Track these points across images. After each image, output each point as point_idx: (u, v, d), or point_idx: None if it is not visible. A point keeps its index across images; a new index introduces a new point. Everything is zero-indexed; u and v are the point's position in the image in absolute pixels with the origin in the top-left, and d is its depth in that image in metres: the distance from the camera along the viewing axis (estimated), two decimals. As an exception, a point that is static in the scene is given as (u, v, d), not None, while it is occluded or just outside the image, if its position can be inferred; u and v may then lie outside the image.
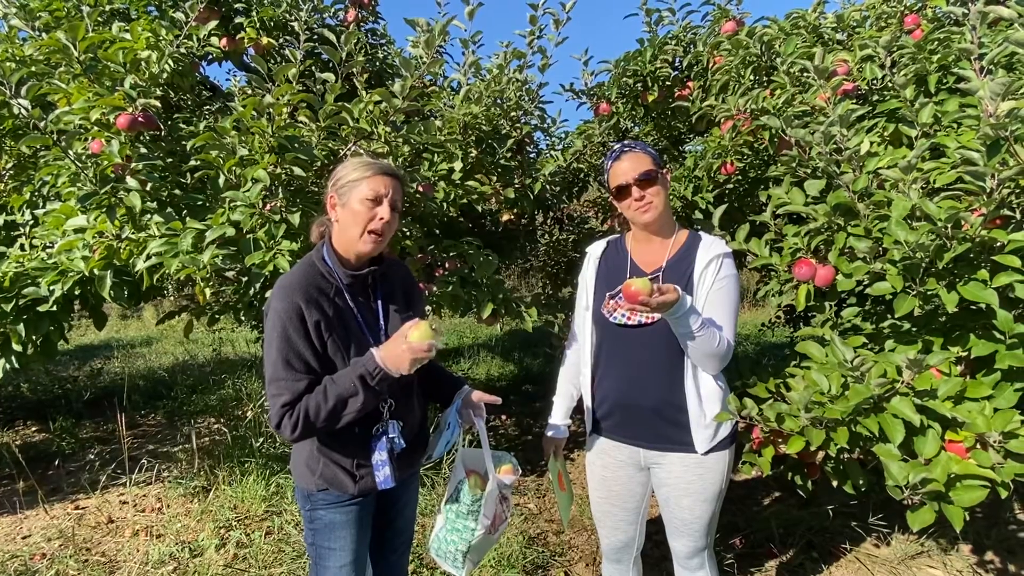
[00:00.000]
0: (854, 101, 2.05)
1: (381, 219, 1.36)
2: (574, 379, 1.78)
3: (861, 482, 1.66)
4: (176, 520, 2.96)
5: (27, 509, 3.18)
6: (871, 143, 1.88)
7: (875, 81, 2.16)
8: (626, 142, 1.61)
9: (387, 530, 1.65)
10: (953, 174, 1.60)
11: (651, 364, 1.56)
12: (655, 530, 2.59)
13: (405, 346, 1.28)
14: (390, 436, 1.42)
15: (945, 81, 2.01)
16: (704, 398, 1.55)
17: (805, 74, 2.16)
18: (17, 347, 2.25)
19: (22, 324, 2.23)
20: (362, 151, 2.28)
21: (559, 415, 1.81)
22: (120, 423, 3.54)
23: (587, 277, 1.72)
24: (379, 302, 1.48)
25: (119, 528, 2.96)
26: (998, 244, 1.44)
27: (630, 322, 1.56)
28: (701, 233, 1.62)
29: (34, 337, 2.28)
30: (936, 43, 2.03)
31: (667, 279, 1.54)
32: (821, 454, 1.69)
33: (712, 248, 1.55)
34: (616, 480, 1.71)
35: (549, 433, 1.81)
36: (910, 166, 1.53)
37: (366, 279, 1.45)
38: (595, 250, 1.74)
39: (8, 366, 2.28)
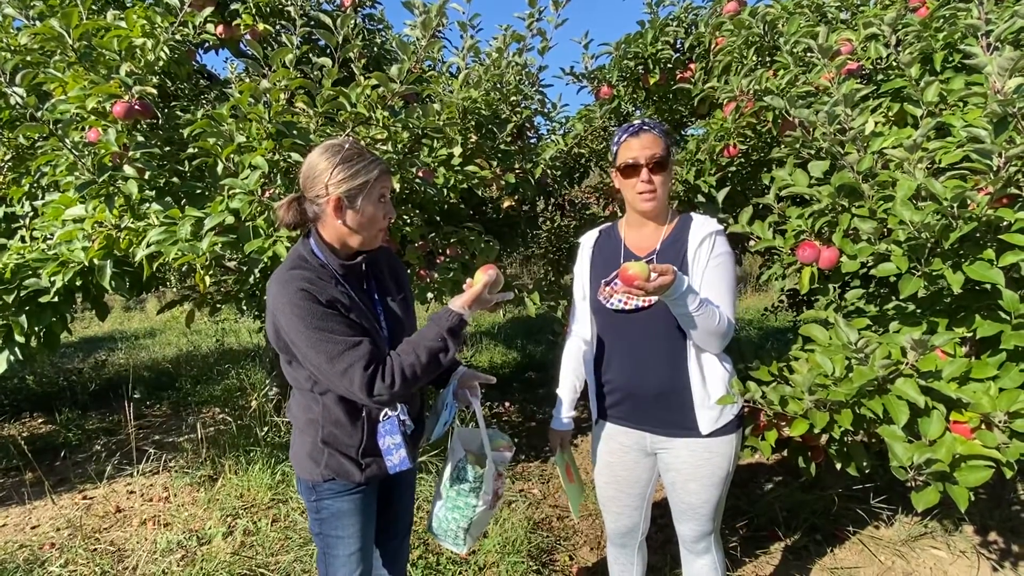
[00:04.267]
0: (858, 81, 2.02)
1: (389, 217, 1.41)
2: (576, 370, 1.77)
3: (865, 464, 1.66)
4: (183, 509, 2.99)
5: (35, 500, 3.21)
6: (876, 123, 1.85)
7: (880, 60, 2.13)
8: (647, 120, 1.57)
9: (386, 516, 1.66)
10: (959, 153, 1.58)
11: (652, 349, 1.55)
12: (659, 514, 2.61)
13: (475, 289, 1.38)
14: (401, 419, 1.43)
15: (951, 59, 1.97)
16: (708, 380, 1.54)
17: (808, 54, 2.13)
18: (20, 339, 2.25)
19: (24, 316, 2.23)
20: (351, 137, 2.25)
21: (564, 409, 1.79)
22: (127, 414, 3.56)
23: (582, 267, 1.71)
24: (372, 286, 1.48)
25: (127, 518, 2.98)
26: (1005, 223, 1.42)
27: (627, 307, 1.55)
28: (692, 214, 1.60)
29: (37, 329, 2.28)
30: (942, 20, 2.00)
31: (661, 262, 1.52)
32: (825, 437, 1.69)
33: (704, 227, 1.53)
34: (622, 465, 1.71)
35: (554, 426, 1.80)
36: (915, 145, 1.51)
37: (359, 267, 1.44)
38: (587, 240, 1.74)
39: (12, 358, 2.28)
